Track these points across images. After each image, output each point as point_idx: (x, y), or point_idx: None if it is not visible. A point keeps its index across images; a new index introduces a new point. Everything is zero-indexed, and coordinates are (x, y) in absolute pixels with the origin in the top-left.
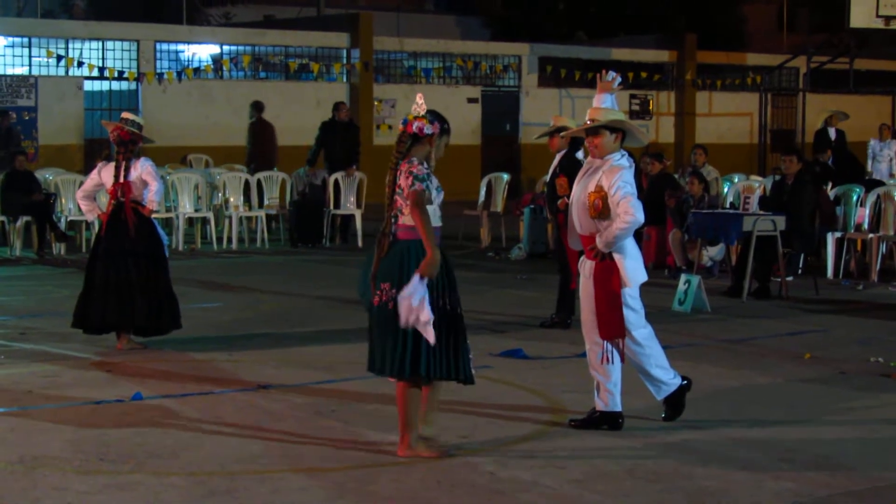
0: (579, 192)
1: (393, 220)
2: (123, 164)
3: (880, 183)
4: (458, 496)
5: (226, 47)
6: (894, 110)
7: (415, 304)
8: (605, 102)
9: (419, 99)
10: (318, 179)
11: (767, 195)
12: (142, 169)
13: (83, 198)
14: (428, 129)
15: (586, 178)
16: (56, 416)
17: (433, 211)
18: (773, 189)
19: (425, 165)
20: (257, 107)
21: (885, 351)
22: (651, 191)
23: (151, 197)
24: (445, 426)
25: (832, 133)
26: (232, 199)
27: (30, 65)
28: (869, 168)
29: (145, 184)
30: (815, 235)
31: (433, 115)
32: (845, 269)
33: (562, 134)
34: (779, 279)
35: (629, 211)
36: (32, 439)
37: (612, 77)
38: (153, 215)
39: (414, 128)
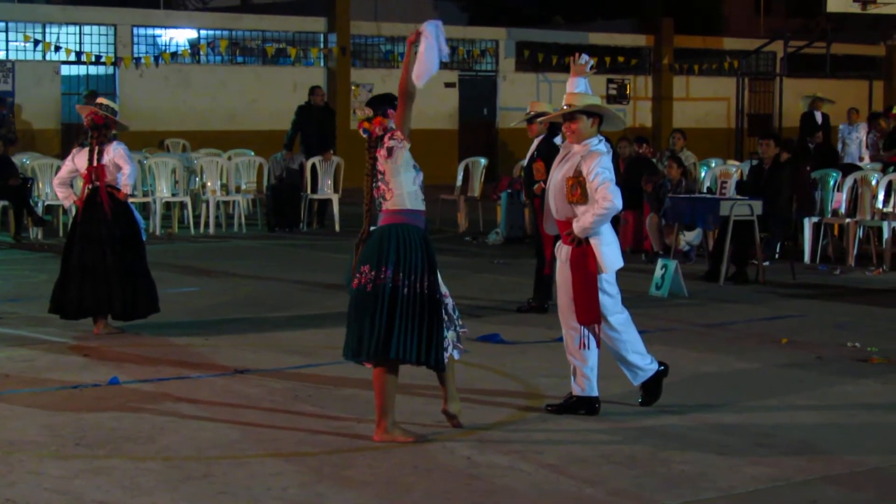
0: (556, 177)
1: (378, 206)
2: (96, 148)
3: (856, 167)
4: (434, 481)
5: (203, 32)
6: (871, 95)
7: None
8: (579, 86)
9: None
10: (295, 164)
11: (745, 180)
12: (114, 153)
13: (59, 185)
14: (378, 129)
15: (563, 163)
16: (32, 401)
17: (415, 193)
18: (750, 173)
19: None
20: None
21: (862, 336)
22: (627, 175)
23: (125, 180)
24: (421, 411)
25: (818, 116)
26: (209, 184)
27: (7, 49)
28: (840, 152)
29: (118, 168)
30: (791, 220)
31: (376, 103)
32: (822, 254)
33: (539, 119)
34: (756, 264)
35: (608, 197)
36: (8, 424)
37: (585, 61)
38: (129, 199)
39: (363, 132)
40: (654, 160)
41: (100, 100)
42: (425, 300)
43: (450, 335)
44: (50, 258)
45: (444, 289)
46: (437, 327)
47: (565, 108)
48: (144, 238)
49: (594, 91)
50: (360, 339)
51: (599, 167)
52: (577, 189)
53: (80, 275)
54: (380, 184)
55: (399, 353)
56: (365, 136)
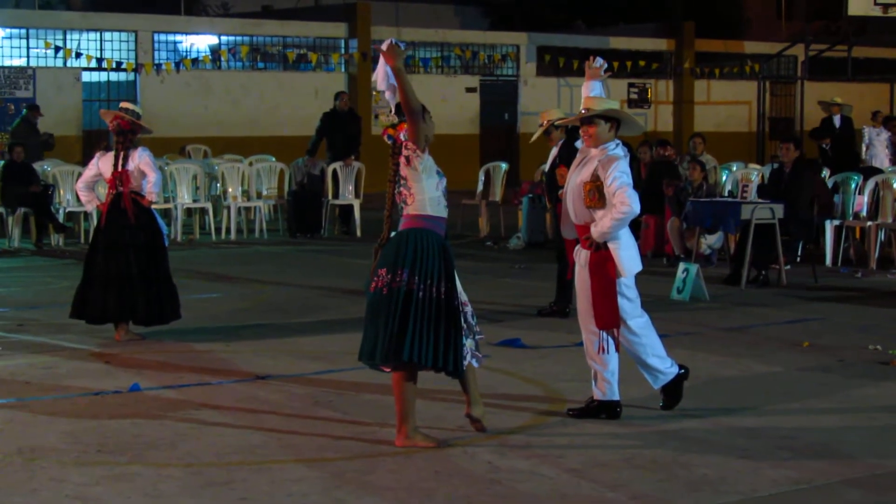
0: (574, 182)
1: (399, 211)
2: (122, 153)
3: (878, 170)
4: (455, 486)
5: (224, 38)
6: (892, 98)
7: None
8: (595, 90)
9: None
10: (316, 169)
11: (766, 183)
12: (139, 159)
13: (82, 188)
14: (402, 136)
15: (581, 168)
16: (54, 408)
17: (437, 199)
18: (771, 177)
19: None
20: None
21: (884, 338)
22: (650, 178)
23: (150, 188)
24: (442, 416)
25: (837, 121)
26: (230, 190)
27: (28, 56)
28: (864, 155)
29: (143, 174)
30: (813, 223)
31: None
32: (844, 257)
33: (557, 122)
34: (777, 267)
35: (625, 201)
36: (30, 431)
37: (600, 64)
38: (152, 206)
39: (387, 138)
40: (676, 163)
41: (124, 104)
42: (441, 305)
43: (468, 343)
44: (71, 265)
45: (463, 296)
46: (454, 333)
47: (583, 112)
48: (167, 244)
49: (615, 95)
50: (375, 342)
51: (617, 171)
52: (595, 193)
53: (103, 280)
54: (402, 189)
55: (413, 355)
56: (389, 142)
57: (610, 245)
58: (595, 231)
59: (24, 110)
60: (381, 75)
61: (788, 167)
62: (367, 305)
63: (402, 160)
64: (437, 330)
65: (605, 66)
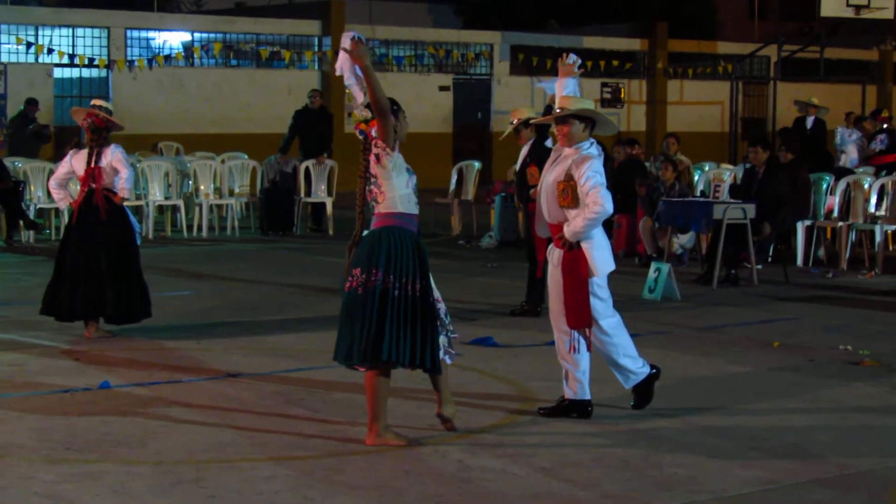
0: (548, 181)
1: (371, 209)
2: (95, 150)
3: (850, 171)
4: (426, 484)
5: (197, 34)
6: (864, 99)
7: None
8: (569, 87)
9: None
10: (289, 167)
11: (738, 183)
12: (112, 156)
13: (55, 186)
14: (375, 132)
15: (554, 166)
16: (23, 405)
17: (408, 196)
18: (744, 177)
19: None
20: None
21: (855, 339)
22: (619, 177)
23: (122, 185)
24: (414, 414)
25: (809, 122)
26: (202, 187)
27: None
28: (840, 156)
29: (116, 171)
30: (785, 223)
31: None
32: (815, 258)
33: (532, 121)
34: (748, 266)
35: (598, 201)
36: None
37: (573, 61)
38: (125, 203)
39: (359, 133)
40: (648, 164)
41: (96, 101)
42: (417, 303)
43: (441, 340)
44: (42, 262)
45: (436, 293)
46: (430, 330)
47: (558, 111)
48: (139, 242)
49: (588, 95)
50: (352, 342)
51: (591, 171)
52: (569, 193)
53: (73, 277)
54: (372, 187)
55: (391, 354)
56: (361, 137)
57: (583, 244)
58: (568, 230)
59: (25, 105)
60: (347, 67)
61: (761, 168)
62: (343, 305)
63: (373, 158)
64: (413, 328)
65: (579, 62)
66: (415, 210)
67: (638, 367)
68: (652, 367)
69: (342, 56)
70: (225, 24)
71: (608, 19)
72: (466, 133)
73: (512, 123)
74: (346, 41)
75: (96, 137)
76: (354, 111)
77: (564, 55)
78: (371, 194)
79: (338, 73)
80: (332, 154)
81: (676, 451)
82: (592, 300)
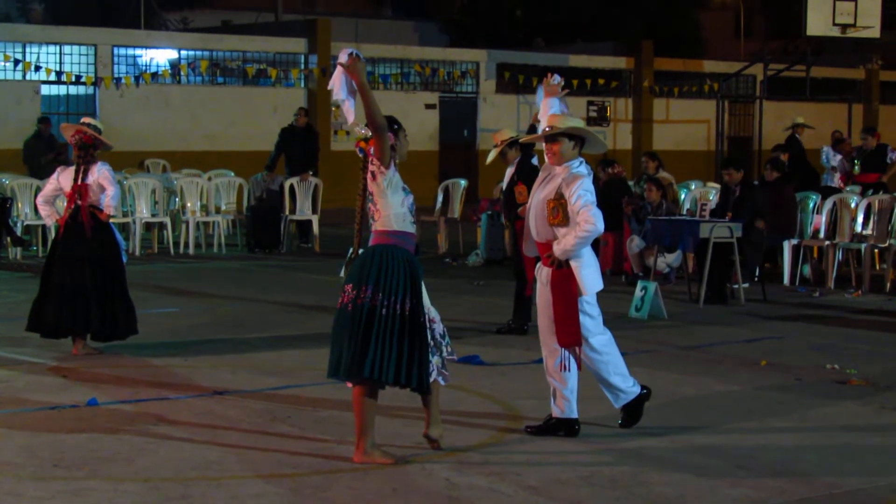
0: (538, 199)
1: (370, 225)
2: (82, 167)
3: (836, 190)
4: (413, 502)
5: (183, 52)
6: (850, 117)
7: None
8: (553, 108)
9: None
10: (275, 185)
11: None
12: (99, 173)
13: (43, 203)
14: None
15: (544, 185)
16: (10, 422)
17: (403, 215)
18: (720, 196)
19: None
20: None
21: (841, 358)
22: (605, 195)
23: (108, 202)
24: (401, 432)
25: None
26: (189, 205)
27: None
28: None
29: (102, 188)
30: (763, 242)
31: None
32: (801, 277)
33: (521, 139)
34: (736, 285)
35: (589, 220)
36: None
37: (558, 81)
38: (111, 220)
39: (358, 151)
40: (632, 183)
41: (86, 119)
42: (406, 322)
43: (435, 360)
44: (28, 278)
45: (433, 313)
46: (419, 350)
47: (547, 129)
48: (125, 260)
49: (575, 113)
50: (340, 357)
51: (581, 190)
52: (559, 211)
53: (58, 294)
54: (370, 204)
55: (374, 372)
56: (360, 155)
57: (572, 263)
58: (558, 249)
59: (38, 124)
60: (339, 83)
61: (737, 189)
62: (334, 321)
63: (369, 175)
64: (400, 346)
65: (563, 82)
66: (411, 229)
67: (628, 387)
68: (643, 387)
69: (337, 72)
70: (212, 41)
71: (594, 38)
72: (452, 151)
73: (497, 146)
74: (343, 57)
75: (83, 154)
76: (356, 129)
77: (549, 75)
78: (369, 212)
79: (329, 88)
80: (317, 172)
81: (664, 469)
82: (582, 318)
